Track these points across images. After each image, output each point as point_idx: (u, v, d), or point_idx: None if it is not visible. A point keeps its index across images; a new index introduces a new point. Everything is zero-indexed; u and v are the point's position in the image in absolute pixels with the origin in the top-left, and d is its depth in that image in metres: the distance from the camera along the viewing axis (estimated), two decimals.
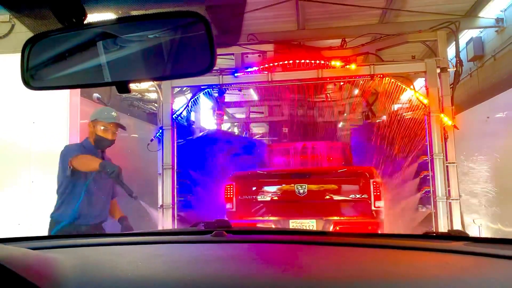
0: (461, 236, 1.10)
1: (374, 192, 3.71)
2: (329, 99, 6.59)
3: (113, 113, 2.76)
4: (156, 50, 0.87)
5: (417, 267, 0.92)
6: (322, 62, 4.48)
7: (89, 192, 2.62)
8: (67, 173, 2.54)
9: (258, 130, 8.20)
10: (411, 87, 4.60)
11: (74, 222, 2.57)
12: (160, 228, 3.72)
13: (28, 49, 0.87)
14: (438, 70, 4.28)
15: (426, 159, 4.25)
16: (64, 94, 3.75)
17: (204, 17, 0.83)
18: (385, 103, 5.35)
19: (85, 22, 0.86)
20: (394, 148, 4.81)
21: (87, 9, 0.86)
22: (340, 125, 6.75)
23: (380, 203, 3.72)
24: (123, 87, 0.85)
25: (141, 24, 0.86)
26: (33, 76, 0.88)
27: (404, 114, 5.03)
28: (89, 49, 0.87)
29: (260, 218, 3.84)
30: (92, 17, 0.87)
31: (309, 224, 3.74)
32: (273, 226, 3.83)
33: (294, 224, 3.74)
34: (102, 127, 2.70)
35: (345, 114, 6.66)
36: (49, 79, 0.90)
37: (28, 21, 0.81)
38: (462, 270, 0.91)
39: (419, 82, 5.25)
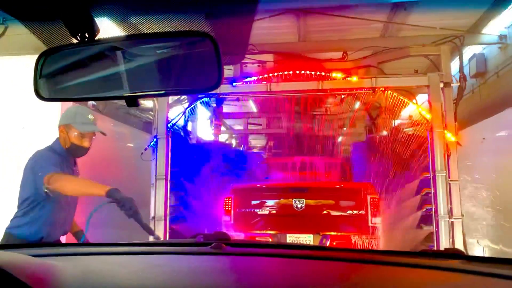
0: (457, 254, 1.16)
1: (371, 209, 3.80)
2: (329, 113, 6.71)
3: (89, 116, 2.44)
4: (165, 67, 0.95)
5: (412, 285, 0.98)
6: (323, 74, 4.57)
7: (59, 208, 2.36)
8: (40, 190, 2.23)
9: (256, 142, 8.29)
10: (414, 101, 4.67)
11: (41, 239, 2.32)
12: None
13: (42, 61, 0.95)
14: (442, 85, 4.36)
15: (428, 176, 4.30)
16: None
17: (212, 36, 0.92)
18: (388, 118, 5.45)
19: (97, 37, 0.94)
20: (395, 164, 4.87)
21: (100, 25, 0.95)
22: (339, 139, 6.84)
23: (377, 220, 3.81)
24: (132, 101, 0.92)
25: (152, 42, 0.94)
26: (45, 87, 0.96)
27: (406, 129, 5.11)
28: (100, 64, 0.95)
29: (258, 231, 3.91)
30: (104, 33, 0.95)
31: (306, 239, 3.81)
32: (270, 240, 3.89)
33: (291, 238, 3.81)
34: (77, 134, 2.39)
35: (344, 128, 6.76)
36: (60, 91, 0.98)
37: (43, 35, 0.89)
38: None
39: (421, 98, 5.37)
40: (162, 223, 4.43)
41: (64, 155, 2.42)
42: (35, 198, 2.30)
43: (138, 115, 5.81)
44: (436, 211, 4.16)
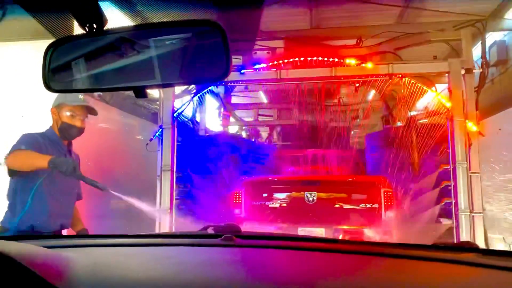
0: (471, 248, 1.17)
1: (385, 202, 3.80)
2: (342, 103, 6.66)
3: (80, 96, 2.49)
4: (172, 57, 0.97)
5: (426, 278, 0.99)
6: (336, 60, 4.48)
7: (40, 197, 2.30)
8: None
9: (266, 134, 8.32)
10: (433, 89, 4.54)
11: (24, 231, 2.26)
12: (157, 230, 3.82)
13: (50, 53, 0.98)
14: (463, 71, 4.24)
15: (448, 168, 4.23)
16: None
17: (221, 25, 0.93)
18: (405, 107, 5.34)
19: (105, 28, 0.96)
20: (413, 155, 4.80)
21: (108, 16, 0.97)
22: (353, 131, 6.79)
23: (391, 213, 3.81)
24: (140, 92, 0.95)
25: (160, 31, 0.96)
26: (54, 79, 0.99)
27: (424, 118, 5.02)
28: (109, 55, 0.97)
29: (268, 224, 3.95)
30: (112, 23, 0.97)
31: (318, 232, 3.84)
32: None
33: (303, 232, 3.84)
34: (68, 113, 2.43)
35: (358, 120, 6.70)
36: (68, 82, 1.01)
37: (51, 26, 0.91)
38: (472, 282, 0.98)
39: (439, 87, 5.27)
40: (167, 216, 4.42)
41: (56, 140, 2.46)
42: (15, 186, 2.32)
43: (145, 105, 5.86)
44: (456, 205, 4.08)
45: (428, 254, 1.14)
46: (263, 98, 7.27)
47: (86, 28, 0.95)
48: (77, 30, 0.98)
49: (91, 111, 2.53)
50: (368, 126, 6.62)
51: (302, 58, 4.54)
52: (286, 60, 4.59)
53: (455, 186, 4.12)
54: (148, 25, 0.99)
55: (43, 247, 1.10)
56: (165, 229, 4.31)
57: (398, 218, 3.95)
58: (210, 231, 1.28)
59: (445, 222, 4.32)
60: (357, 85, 5.37)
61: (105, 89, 1.11)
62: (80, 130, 2.50)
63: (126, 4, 1.33)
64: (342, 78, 4.57)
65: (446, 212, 4.29)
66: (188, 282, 0.96)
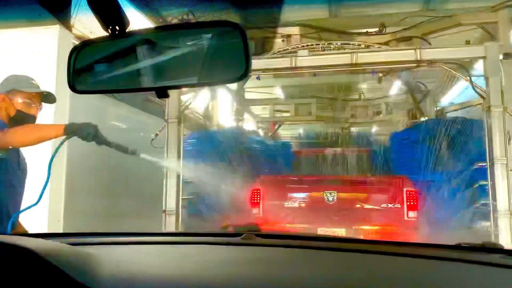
0: (496, 248, 1.22)
1: (407, 202, 3.84)
2: (363, 98, 6.65)
3: (33, 82, 2.32)
4: (193, 58, 1.05)
5: (449, 279, 1.05)
6: (357, 43, 4.34)
7: None
8: None
9: (285, 132, 8.35)
10: (466, 76, 4.35)
11: None
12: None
13: (75, 55, 1.08)
14: (501, 56, 4.05)
15: (483, 165, 4.09)
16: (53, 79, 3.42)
17: (241, 26, 1.01)
18: (434, 99, 5.24)
19: (127, 30, 1.06)
20: (443, 153, 4.70)
21: (130, 19, 1.06)
22: (376, 128, 6.76)
23: (414, 213, 3.85)
24: (162, 93, 1.04)
25: (180, 33, 1.05)
26: (78, 80, 1.09)
27: (456, 110, 4.89)
28: (131, 56, 1.06)
29: (288, 224, 4.05)
30: (134, 26, 1.06)
31: (338, 232, 3.91)
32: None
33: (322, 232, 3.92)
34: (22, 100, 2.25)
35: (381, 115, 6.68)
36: (92, 83, 1.11)
37: (75, 28, 1.00)
38: (498, 284, 1.04)
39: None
40: (173, 217, 4.36)
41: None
42: None
43: (157, 101, 5.98)
44: (493, 206, 3.89)
45: (451, 254, 1.20)
46: (279, 92, 7.33)
47: (109, 30, 1.05)
48: (100, 32, 1.08)
49: (47, 98, 2.35)
50: (392, 122, 6.58)
51: (319, 43, 4.38)
52: (302, 45, 4.40)
53: (492, 185, 3.95)
54: (168, 27, 1.09)
55: (68, 244, 1.21)
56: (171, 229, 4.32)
57: (424, 219, 3.98)
58: (230, 230, 1.37)
59: (481, 225, 4.18)
60: (380, 75, 5.28)
61: (128, 90, 1.20)
62: (34, 120, 2.31)
63: (147, 6, 1.42)
64: (363, 66, 4.35)
65: (482, 215, 4.15)
66: (210, 280, 1.05)
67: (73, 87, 1.08)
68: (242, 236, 1.25)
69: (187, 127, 5.11)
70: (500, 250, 1.22)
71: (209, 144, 5.26)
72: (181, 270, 1.10)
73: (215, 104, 6.48)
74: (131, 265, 1.13)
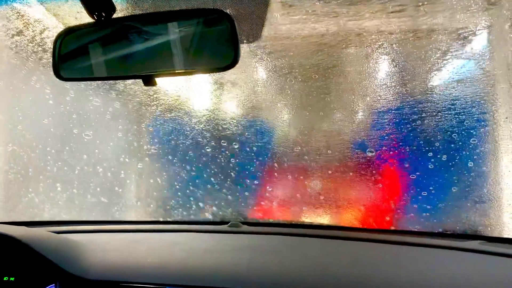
0: (476, 235, 1.27)
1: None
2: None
3: None
4: (181, 46, 1.05)
5: (431, 265, 1.09)
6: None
7: None
8: None
9: None
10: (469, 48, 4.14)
11: None
12: None
13: (60, 41, 1.06)
14: (507, 25, 3.85)
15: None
16: None
17: (229, 14, 1.01)
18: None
19: (114, 17, 1.04)
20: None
21: (116, 5, 1.05)
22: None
23: None
24: (149, 81, 1.03)
25: (168, 20, 1.04)
26: (64, 67, 1.08)
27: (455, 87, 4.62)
28: (117, 43, 1.05)
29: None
30: (121, 12, 1.05)
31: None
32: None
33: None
34: None
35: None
36: (78, 71, 1.10)
37: (60, 14, 0.99)
38: (476, 269, 1.08)
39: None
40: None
41: None
42: None
43: None
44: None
45: (434, 241, 1.24)
46: None
47: (95, 16, 1.04)
48: (86, 18, 1.06)
49: None
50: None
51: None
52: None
53: None
54: (156, 14, 1.08)
55: (53, 232, 1.21)
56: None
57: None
58: (216, 218, 1.39)
59: None
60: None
61: (114, 77, 1.19)
62: None
63: None
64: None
65: None
66: (196, 267, 1.06)
67: (58, 74, 1.07)
68: (229, 224, 1.27)
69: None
70: (480, 237, 1.27)
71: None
72: (168, 257, 1.11)
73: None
74: (117, 253, 1.14)
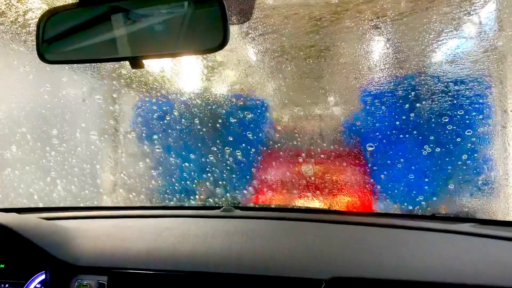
0: (468, 218, 1.28)
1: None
2: None
3: None
4: (168, 27, 1.02)
5: (423, 247, 1.10)
6: None
7: None
8: None
9: None
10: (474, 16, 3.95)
11: None
12: None
13: (43, 23, 1.03)
14: None
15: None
16: None
17: None
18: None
19: None
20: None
21: None
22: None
23: None
24: (136, 63, 1.01)
25: (156, 0, 1.01)
26: (48, 50, 1.04)
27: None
28: (103, 25, 1.02)
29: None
30: None
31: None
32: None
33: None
34: None
35: None
36: (63, 53, 1.06)
37: None
38: (467, 251, 1.09)
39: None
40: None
41: None
42: None
43: None
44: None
45: (426, 224, 1.25)
46: None
47: None
48: None
49: None
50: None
51: None
52: None
53: None
54: None
55: (44, 219, 1.20)
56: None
57: None
58: (209, 202, 1.38)
59: None
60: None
61: (100, 60, 1.16)
62: None
63: None
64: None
65: None
66: (187, 252, 1.06)
67: (42, 56, 1.04)
68: (221, 209, 1.26)
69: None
70: (471, 219, 1.27)
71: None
72: (160, 243, 1.10)
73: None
74: (109, 239, 1.13)
